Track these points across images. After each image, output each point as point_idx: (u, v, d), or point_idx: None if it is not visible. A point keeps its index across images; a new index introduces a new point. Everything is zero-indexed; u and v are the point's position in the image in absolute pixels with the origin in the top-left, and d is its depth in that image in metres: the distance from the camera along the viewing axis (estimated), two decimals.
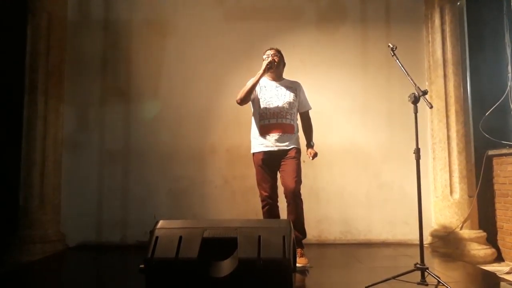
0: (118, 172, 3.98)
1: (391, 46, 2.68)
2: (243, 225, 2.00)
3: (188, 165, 3.99)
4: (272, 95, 3.10)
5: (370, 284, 2.38)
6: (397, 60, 2.62)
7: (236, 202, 3.95)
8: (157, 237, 1.94)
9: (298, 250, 2.97)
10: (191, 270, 1.86)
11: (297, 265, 2.75)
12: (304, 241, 3.08)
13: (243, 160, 3.96)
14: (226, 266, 1.88)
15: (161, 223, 2.04)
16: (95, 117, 4.02)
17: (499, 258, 3.61)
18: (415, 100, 2.48)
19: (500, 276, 2.97)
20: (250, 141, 3.13)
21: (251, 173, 3.89)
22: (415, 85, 2.50)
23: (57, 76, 3.88)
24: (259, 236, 1.89)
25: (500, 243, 3.67)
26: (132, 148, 4.00)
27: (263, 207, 3.08)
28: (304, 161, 3.13)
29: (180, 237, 1.92)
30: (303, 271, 2.87)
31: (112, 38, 4.09)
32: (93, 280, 3.00)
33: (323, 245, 3.76)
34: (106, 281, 2.95)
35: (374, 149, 3.99)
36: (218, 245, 1.93)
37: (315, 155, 3.10)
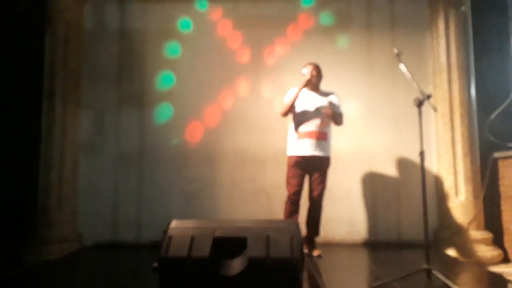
0: (132, 175, 4.08)
1: (396, 52, 2.73)
2: (252, 225, 2.04)
3: (199, 167, 4.08)
4: (308, 103, 3.37)
5: (376, 284, 2.41)
6: (402, 66, 2.67)
7: (245, 203, 4.03)
8: (170, 237, 1.97)
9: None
10: (203, 269, 1.89)
11: (313, 254, 3.36)
12: None
13: (251, 162, 4.06)
14: (236, 265, 1.91)
15: (174, 223, 2.07)
16: (111, 122, 4.13)
17: (505, 260, 3.60)
18: (420, 104, 2.53)
19: (507, 278, 2.96)
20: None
21: (259, 175, 4.04)
22: (420, 89, 2.55)
23: (74, 83, 3.98)
24: (268, 236, 1.93)
25: (506, 244, 3.66)
26: (146, 151, 4.10)
27: (287, 201, 3.35)
28: None
29: (192, 237, 1.96)
30: (318, 256, 3.34)
31: (127, 46, 4.20)
32: (109, 278, 3.09)
33: (329, 245, 3.80)
34: (121, 279, 3.01)
35: (379, 151, 4.03)
36: (229, 244, 1.96)
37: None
